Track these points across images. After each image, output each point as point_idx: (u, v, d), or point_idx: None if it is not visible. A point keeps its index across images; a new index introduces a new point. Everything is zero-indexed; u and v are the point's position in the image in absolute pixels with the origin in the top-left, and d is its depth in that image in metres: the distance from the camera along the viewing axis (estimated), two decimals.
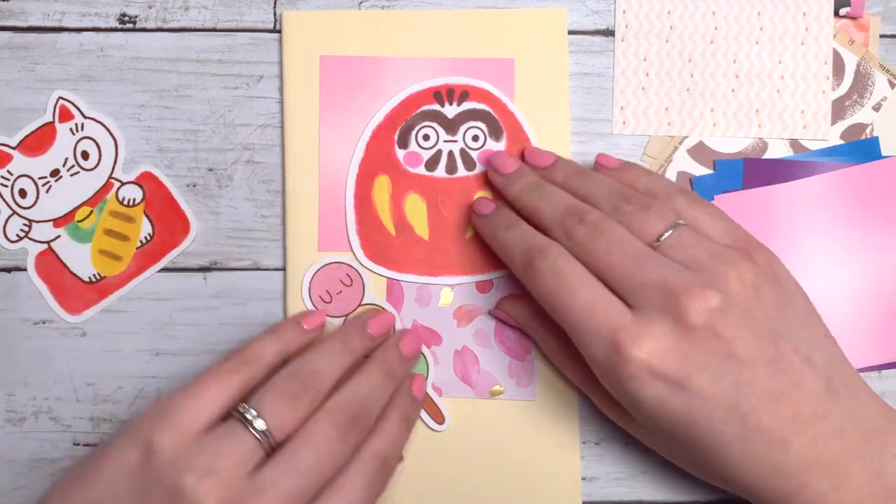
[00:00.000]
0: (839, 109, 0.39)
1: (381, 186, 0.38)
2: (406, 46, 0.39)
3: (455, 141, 0.38)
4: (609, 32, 0.40)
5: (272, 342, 0.33)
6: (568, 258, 0.32)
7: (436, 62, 0.39)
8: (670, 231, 0.32)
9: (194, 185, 0.39)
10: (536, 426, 0.38)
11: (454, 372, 0.39)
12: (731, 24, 0.39)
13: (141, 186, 0.39)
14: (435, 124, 0.38)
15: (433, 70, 0.39)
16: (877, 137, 0.39)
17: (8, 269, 0.39)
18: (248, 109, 0.39)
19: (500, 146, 0.38)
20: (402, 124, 0.38)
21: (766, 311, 0.30)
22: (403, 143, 0.38)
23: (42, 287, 0.39)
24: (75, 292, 0.39)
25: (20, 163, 0.39)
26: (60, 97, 0.39)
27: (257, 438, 0.30)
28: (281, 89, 0.39)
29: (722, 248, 0.31)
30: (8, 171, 0.39)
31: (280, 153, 0.39)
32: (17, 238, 0.39)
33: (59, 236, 0.39)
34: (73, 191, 0.39)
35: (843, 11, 0.39)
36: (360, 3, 0.39)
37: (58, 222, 0.39)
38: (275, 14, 0.39)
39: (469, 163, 0.38)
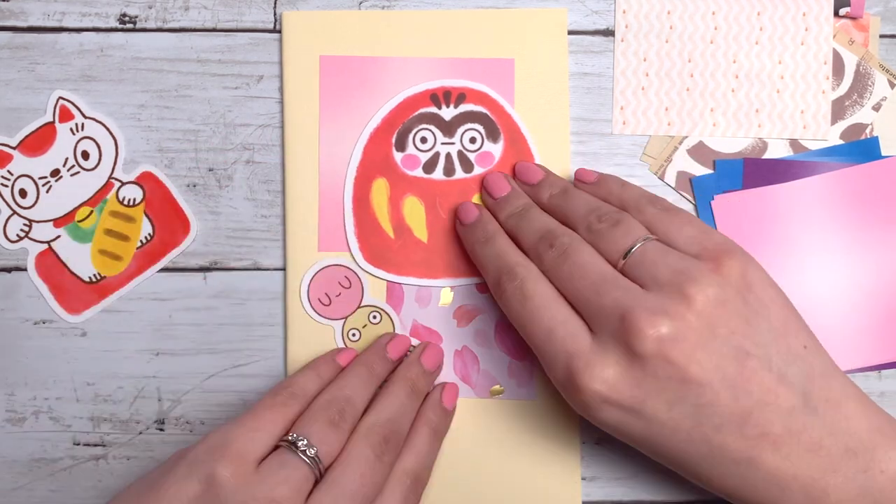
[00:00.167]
0: (839, 109, 0.39)
1: (380, 189, 0.38)
2: (406, 46, 0.39)
3: (452, 143, 0.38)
4: (609, 32, 0.40)
5: (313, 377, 0.35)
6: (536, 281, 0.32)
7: (435, 62, 0.39)
8: (637, 246, 0.31)
9: (194, 185, 0.39)
10: (536, 426, 0.38)
11: (454, 372, 0.39)
12: (731, 24, 0.39)
13: (141, 186, 0.39)
14: (432, 126, 0.38)
15: (433, 70, 0.39)
16: (877, 137, 0.39)
17: (8, 269, 0.39)
18: (248, 109, 0.39)
19: (497, 148, 0.38)
20: (399, 127, 0.38)
21: (731, 327, 0.29)
22: (401, 146, 0.38)
23: (42, 287, 0.39)
24: (75, 292, 0.39)
25: (20, 163, 0.39)
26: (60, 97, 0.39)
27: (309, 466, 0.30)
28: (281, 89, 0.39)
29: (686, 263, 0.30)
30: (8, 171, 0.39)
31: (280, 153, 0.39)
32: (17, 238, 0.39)
33: (59, 236, 0.39)
34: (73, 191, 0.39)
35: (842, 11, 0.39)
36: (360, 3, 0.39)
37: (58, 222, 0.39)
38: (275, 14, 0.39)
39: (467, 165, 0.38)
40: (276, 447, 0.31)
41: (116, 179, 0.39)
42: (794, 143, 0.39)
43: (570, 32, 0.39)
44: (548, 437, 0.38)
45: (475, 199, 0.38)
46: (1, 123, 0.39)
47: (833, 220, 0.39)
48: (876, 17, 0.39)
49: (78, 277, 0.39)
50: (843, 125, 0.39)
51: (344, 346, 0.39)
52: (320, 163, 0.39)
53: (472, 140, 0.38)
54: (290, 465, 0.30)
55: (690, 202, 0.39)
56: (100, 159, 0.39)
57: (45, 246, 0.39)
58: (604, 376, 0.30)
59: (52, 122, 0.39)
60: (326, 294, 0.39)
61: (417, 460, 0.34)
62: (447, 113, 0.38)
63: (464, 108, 0.38)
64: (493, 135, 0.38)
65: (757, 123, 0.39)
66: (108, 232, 0.39)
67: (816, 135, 0.39)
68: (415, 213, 0.38)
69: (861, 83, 0.39)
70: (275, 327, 0.39)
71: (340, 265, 0.39)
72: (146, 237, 0.39)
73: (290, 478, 0.30)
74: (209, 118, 0.39)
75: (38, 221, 0.39)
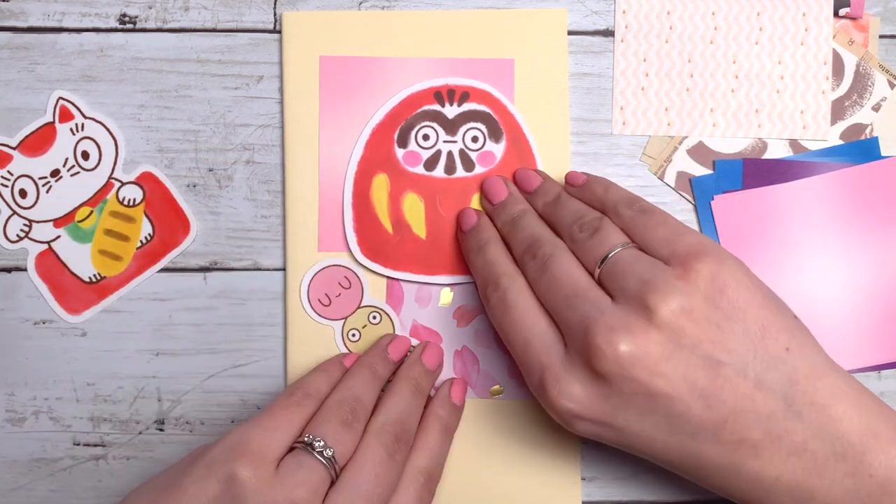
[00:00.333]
0: (839, 110, 0.39)
1: (380, 185, 0.38)
2: (406, 47, 0.39)
3: (454, 141, 0.38)
4: (609, 33, 0.40)
5: (324, 378, 0.35)
6: (519, 292, 0.33)
7: (435, 62, 0.39)
8: (611, 254, 0.31)
9: (194, 185, 0.39)
10: (536, 426, 0.38)
11: (454, 372, 0.39)
12: (731, 24, 0.39)
13: (141, 186, 0.39)
14: (435, 124, 0.38)
15: (433, 70, 0.39)
16: (876, 138, 0.39)
17: (8, 269, 0.39)
18: (248, 109, 0.39)
19: (499, 148, 0.38)
20: (402, 123, 0.38)
21: (700, 336, 0.29)
22: (403, 143, 0.38)
23: (42, 287, 0.39)
24: (75, 292, 0.39)
25: (20, 163, 0.39)
26: (60, 97, 0.39)
27: (325, 467, 0.31)
28: (281, 89, 0.39)
29: (652, 272, 0.30)
30: (8, 172, 0.39)
31: (280, 153, 0.39)
32: (17, 238, 0.39)
33: (59, 236, 0.39)
34: (73, 191, 0.39)
35: (842, 12, 0.39)
36: (360, 3, 0.39)
37: (58, 222, 0.39)
38: (275, 14, 0.39)
39: (468, 163, 0.38)
40: (292, 448, 0.31)
41: (116, 179, 0.39)
42: (794, 144, 0.39)
43: (570, 32, 0.39)
44: (548, 437, 0.38)
45: (475, 201, 0.38)
46: (1, 123, 0.39)
47: (833, 221, 0.39)
48: (876, 18, 0.39)
49: (78, 277, 0.39)
50: (842, 125, 0.39)
51: (344, 346, 0.39)
52: (320, 163, 0.39)
53: (475, 139, 0.38)
54: (307, 466, 0.30)
55: (690, 202, 0.39)
56: (100, 159, 0.39)
57: (45, 246, 0.39)
58: (571, 392, 0.30)
59: (52, 123, 0.39)
60: (326, 294, 0.39)
61: (430, 457, 0.34)
62: (450, 111, 0.38)
63: (467, 106, 0.38)
64: (495, 134, 0.38)
65: (757, 123, 0.39)
66: (108, 232, 0.39)
67: (816, 135, 0.39)
68: (414, 210, 0.38)
69: (861, 83, 0.39)
70: (275, 327, 0.39)
71: (340, 265, 0.39)
72: (146, 237, 0.39)
73: (308, 479, 0.30)
74: (209, 118, 0.39)
75: (38, 221, 0.39)
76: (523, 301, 0.33)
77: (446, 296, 0.39)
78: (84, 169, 0.39)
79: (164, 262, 0.39)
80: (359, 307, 0.39)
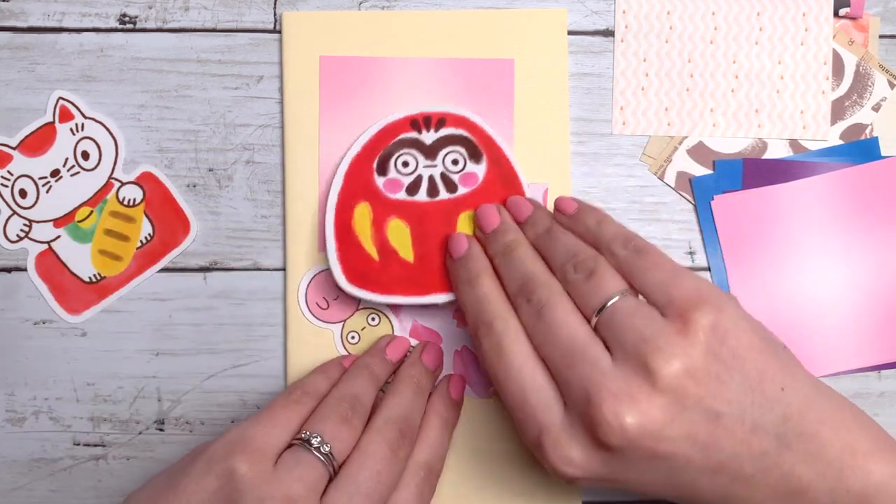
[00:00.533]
0: (839, 110, 0.39)
1: (362, 214, 0.37)
2: (406, 47, 0.39)
3: (434, 166, 0.38)
4: (609, 33, 0.40)
5: (323, 378, 0.35)
6: (514, 338, 0.32)
7: (435, 62, 0.39)
8: (609, 304, 0.31)
9: (194, 185, 0.39)
10: None
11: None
12: (731, 24, 0.39)
13: (141, 186, 0.39)
14: (413, 151, 0.38)
15: (433, 71, 0.39)
16: (876, 138, 0.39)
17: (8, 269, 0.39)
18: (248, 109, 0.39)
19: (480, 168, 0.38)
20: (380, 152, 0.38)
21: (701, 393, 0.29)
22: (382, 171, 0.38)
23: (42, 287, 0.39)
24: (75, 292, 0.39)
25: (20, 163, 0.39)
26: (60, 97, 0.39)
27: (323, 463, 0.31)
28: (281, 90, 0.39)
29: (652, 327, 0.29)
30: (8, 172, 0.39)
31: (280, 153, 0.39)
32: (17, 238, 0.39)
33: (59, 236, 0.39)
34: (73, 191, 0.39)
35: (842, 12, 0.39)
36: (360, 3, 0.39)
37: (58, 222, 0.39)
38: (275, 14, 0.39)
39: (450, 185, 0.37)
40: (291, 445, 0.31)
41: (116, 179, 0.39)
42: (794, 144, 0.39)
43: (570, 33, 0.39)
44: None
45: (462, 221, 0.37)
46: (1, 123, 0.39)
47: (833, 221, 0.39)
48: (876, 18, 0.39)
49: (78, 277, 0.39)
50: (842, 125, 0.39)
51: (343, 348, 0.39)
52: (320, 163, 0.39)
53: (455, 162, 0.38)
54: (305, 462, 0.30)
55: (690, 202, 0.39)
56: (100, 159, 0.39)
57: (45, 246, 0.39)
58: (571, 458, 0.30)
59: (52, 123, 0.39)
60: (324, 297, 0.39)
61: (430, 452, 0.34)
62: (428, 137, 0.38)
63: (444, 131, 0.38)
64: (475, 156, 0.38)
65: (757, 123, 0.39)
66: (108, 232, 0.39)
67: (816, 135, 0.39)
68: (400, 235, 0.37)
69: (861, 83, 0.39)
70: (275, 327, 0.39)
71: None
72: (146, 237, 0.39)
73: (305, 476, 0.30)
74: (209, 118, 0.39)
75: (38, 221, 0.39)
76: (519, 350, 0.32)
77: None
78: (84, 169, 0.39)
79: (164, 262, 0.39)
80: (357, 309, 0.39)
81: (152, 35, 0.39)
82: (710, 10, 0.39)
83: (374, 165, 0.38)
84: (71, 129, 0.39)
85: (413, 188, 0.37)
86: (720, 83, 0.39)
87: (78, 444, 0.39)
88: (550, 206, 0.38)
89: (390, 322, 0.39)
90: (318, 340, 0.39)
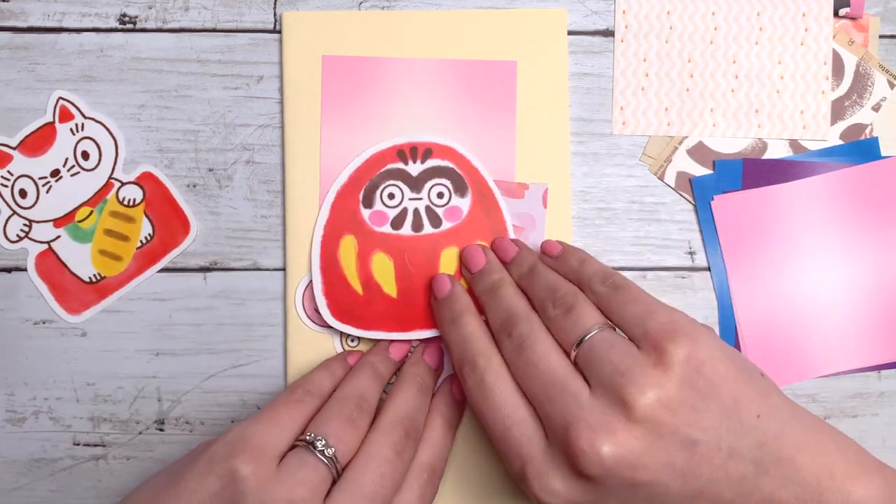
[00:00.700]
0: (839, 110, 0.39)
1: (348, 247, 0.38)
2: (405, 47, 0.39)
3: (420, 198, 0.38)
4: (609, 33, 0.40)
5: (328, 376, 0.35)
6: (497, 376, 0.32)
7: (437, 63, 0.39)
8: (586, 338, 0.31)
9: (194, 185, 0.39)
10: None
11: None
12: (731, 24, 0.39)
13: (141, 186, 0.39)
14: (399, 182, 0.38)
15: (434, 72, 0.39)
16: (876, 138, 0.39)
17: (8, 269, 0.39)
18: (248, 109, 0.39)
19: (465, 202, 0.38)
20: (366, 184, 0.38)
21: (677, 423, 0.29)
22: (368, 203, 0.38)
23: (42, 287, 0.39)
24: (75, 292, 0.39)
25: (20, 163, 0.39)
26: (60, 97, 0.39)
27: (327, 466, 0.31)
28: (281, 89, 0.39)
29: (628, 361, 0.30)
30: (8, 172, 0.39)
31: (280, 153, 0.39)
32: (17, 238, 0.39)
33: (59, 236, 0.39)
34: (73, 191, 0.39)
35: (842, 12, 0.39)
36: (360, 3, 0.39)
37: (58, 222, 0.39)
38: (275, 14, 0.39)
39: (435, 220, 0.38)
40: (294, 445, 0.31)
41: (116, 180, 0.39)
42: (794, 144, 0.39)
43: (570, 33, 0.39)
44: None
45: (445, 257, 0.38)
46: (1, 123, 0.39)
47: (833, 221, 0.39)
48: (876, 18, 0.39)
49: (78, 277, 0.39)
50: (842, 125, 0.39)
51: (343, 348, 0.39)
52: (321, 163, 0.39)
53: (440, 195, 0.38)
54: (308, 465, 0.30)
55: (690, 202, 0.39)
56: (100, 159, 0.39)
57: (45, 246, 0.39)
58: (553, 488, 0.30)
59: (52, 123, 0.39)
60: None
61: (433, 453, 0.34)
62: (414, 168, 0.38)
63: (431, 163, 0.38)
64: (460, 189, 0.38)
65: (757, 124, 0.39)
66: (108, 232, 0.39)
67: (816, 135, 0.39)
68: (384, 270, 0.38)
69: (861, 83, 0.39)
70: (274, 327, 0.39)
71: None
72: (146, 237, 0.39)
73: (309, 479, 0.30)
74: (209, 118, 0.39)
75: (38, 221, 0.39)
76: (501, 387, 0.32)
77: None
78: (84, 169, 0.39)
79: (164, 262, 0.39)
80: None
81: (152, 35, 0.39)
82: (710, 10, 0.39)
83: (361, 197, 0.38)
84: (71, 129, 0.39)
85: (398, 222, 0.38)
86: (720, 83, 0.39)
87: (78, 444, 0.39)
88: (550, 206, 0.39)
89: None
90: (317, 342, 0.39)
